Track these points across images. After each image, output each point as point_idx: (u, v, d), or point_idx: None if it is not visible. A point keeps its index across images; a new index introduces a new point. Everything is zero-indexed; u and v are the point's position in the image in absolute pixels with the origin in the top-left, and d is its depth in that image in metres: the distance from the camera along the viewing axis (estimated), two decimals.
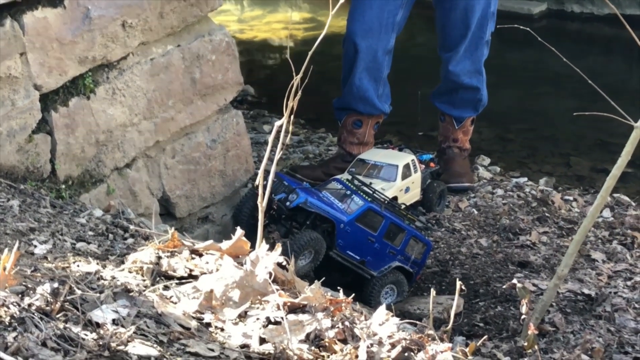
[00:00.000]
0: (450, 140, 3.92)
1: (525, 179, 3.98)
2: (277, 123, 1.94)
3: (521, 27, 2.56)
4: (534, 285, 2.99)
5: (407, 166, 3.42)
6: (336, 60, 6.15)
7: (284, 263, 1.85)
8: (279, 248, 1.84)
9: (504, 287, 2.64)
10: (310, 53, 1.91)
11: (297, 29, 6.64)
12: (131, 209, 2.42)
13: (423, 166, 3.57)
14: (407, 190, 3.42)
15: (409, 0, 3.63)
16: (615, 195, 3.86)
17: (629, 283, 3.06)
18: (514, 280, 2.03)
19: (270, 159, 1.96)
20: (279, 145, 1.91)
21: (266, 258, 1.81)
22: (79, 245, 1.89)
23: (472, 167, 4.02)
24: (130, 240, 2.00)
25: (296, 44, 6.38)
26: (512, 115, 4.97)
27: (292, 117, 1.94)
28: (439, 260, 3.21)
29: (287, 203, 2.59)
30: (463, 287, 1.97)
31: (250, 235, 1.94)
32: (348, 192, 2.75)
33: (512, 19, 6.36)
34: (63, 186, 2.25)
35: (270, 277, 1.79)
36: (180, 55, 2.55)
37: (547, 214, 3.60)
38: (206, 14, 2.63)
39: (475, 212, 3.62)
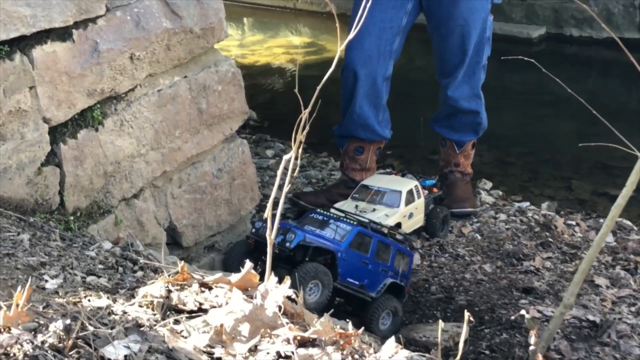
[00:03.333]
0: (452, 165, 3.94)
1: (528, 203, 4.00)
2: (286, 157, 1.96)
3: (520, 57, 2.57)
4: (538, 311, 3.00)
5: (410, 192, 3.44)
6: (337, 84, 6.19)
7: (293, 296, 1.86)
8: (287, 281, 1.85)
9: (512, 317, 2.65)
10: (318, 88, 1.92)
11: (298, 53, 6.68)
12: (139, 239, 2.44)
13: (426, 192, 3.59)
14: (410, 216, 3.44)
15: (405, 28, 3.67)
16: (618, 219, 3.87)
17: (633, 309, 3.07)
18: (522, 311, 2.04)
19: (280, 189, 1.97)
20: (287, 179, 1.92)
21: (275, 291, 1.82)
22: (90, 279, 1.90)
23: (474, 191, 4.04)
24: (139, 273, 2.01)
25: (298, 68, 6.42)
26: (512, 138, 5.00)
27: (300, 150, 1.95)
28: (444, 286, 3.22)
29: (287, 244, 2.60)
30: (471, 319, 1.98)
31: None
32: (331, 221, 2.78)
33: (512, 43, 6.43)
34: (72, 218, 2.26)
35: (279, 311, 1.80)
36: (187, 86, 2.58)
37: (550, 239, 3.61)
38: (212, 45, 2.66)
39: (479, 237, 3.64)
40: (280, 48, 6.77)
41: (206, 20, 2.58)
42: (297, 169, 1.94)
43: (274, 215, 1.91)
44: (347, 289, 2.73)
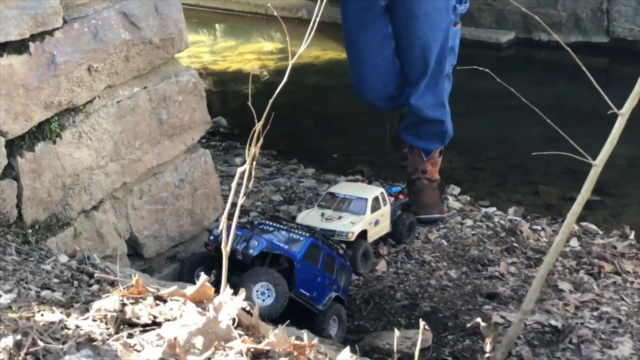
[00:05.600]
0: (420, 172, 3.97)
1: (494, 208, 4.02)
2: (240, 169, 1.96)
3: (481, 68, 2.60)
4: (502, 317, 3.02)
5: (376, 199, 3.46)
6: (308, 90, 6.23)
7: (248, 308, 1.87)
8: (242, 293, 1.86)
9: (468, 325, 2.67)
10: (270, 101, 1.93)
11: (269, 59, 6.69)
12: (98, 251, 2.44)
13: (392, 199, 3.61)
14: (376, 223, 3.46)
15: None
16: (583, 224, 3.91)
17: (595, 313, 3.10)
18: (478, 319, 2.05)
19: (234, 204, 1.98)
20: (242, 191, 1.93)
21: (230, 303, 1.83)
22: (44, 293, 1.90)
23: (441, 197, 4.06)
24: (95, 287, 2.01)
25: (270, 74, 6.43)
26: (482, 143, 5.02)
27: (254, 163, 1.96)
28: (409, 293, 3.24)
29: (250, 251, 2.61)
30: (426, 327, 1.99)
31: None
32: (282, 232, 2.79)
33: (482, 48, 6.47)
34: (30, 231, 2.25)
35: (234, 323, 1.80)
36: (147, 97, 2.58)
37: (515, 244, 3.64)
38: (172, 56, 2.66)
39: (445, 243, 3.66)
40: (252, 54, 6.77)
41: (165, 31, 2.58)
42: (252, 180, 1.95)
43: (229, 227, 1.92)
44: (300, 300, 2.74)
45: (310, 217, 3.35)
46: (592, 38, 6.18)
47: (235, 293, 1.89)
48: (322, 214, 3.37)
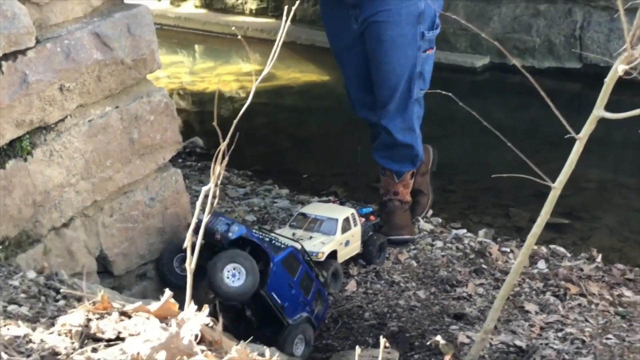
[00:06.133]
0: (391, 194, 4.02)
1: (465, 230, 4.08)
2: (205, 188, 2.01)
3: (443, 92, 2.66)
4: (467, 337, 3.07)
5: (347, 220, 3.51)
6: (285, 111, 6.30)
7: (211, 324, 1.90)
8: (206, 309, 1.89)
9: (428, 343, 2.72)
10: (235, 122, 1.98)
11: (248, 80, 6.74)
12: (68, 268, 2.47)
13: (363, 219, 3.66)
14: (347, 243, 3.50)
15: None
16: (552, 246, 3.98)
17: (559, 334, 3.16)
18: (437, 337, 2.10)
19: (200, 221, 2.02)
20: (206, 211, 1.97)
21: (193, 319, 1.87)
22: (11, 308, 1.93)
23: (413, 219, 4.11)
24: (62, 302, 2.04)
25: (248, 95, 6.48)
26: (455, 166, 5.08)
27: (219, 182, 2.00)
28: (377, 312, 3.28)
29: (230, 234, 2.67)
30: (387, 345, 2.03)
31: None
32: (266, 238, 2.84)
33: (457, 72, 6.56)
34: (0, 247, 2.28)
35: (197, 338, 1.84)
36: (118, 117, 2.62)
37: (484, 266, 3.69)
38: (144, 76, 2.70)
39: (415, 264, 3.71)
40: (231, 75, 6.83)
41: (138, 52, 2.63)
42: (217, 200, 1.99)
43: (193, 244, 1.96)
44: (269, 301, 2.77)
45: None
46: (565, 64, 6.28)
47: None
48: (293, 234, 3.41)
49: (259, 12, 7.72)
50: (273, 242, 2.87)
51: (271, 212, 4.23)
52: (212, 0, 8.02)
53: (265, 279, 2.72)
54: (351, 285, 3.48)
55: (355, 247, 3.57)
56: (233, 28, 2.71)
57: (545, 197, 4.88)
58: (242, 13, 7.84)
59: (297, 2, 2.01)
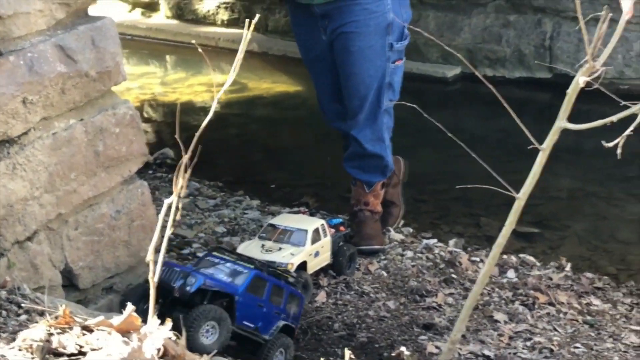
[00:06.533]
0: (362, 204, 4.02)
1: (435, 240, 4.09)
2: (167, 201, 2.00)
3: (409, 103, 2.67)
4: (436, 347, 3.07)
5: (316, 231, 3.50)
6: (257, 122, 6.29)
7: (174, 338, 1.89)
8: (169, 323, 1.88)
9: (392, 354, 2.72)
10: (197, 135, 1.97)
11: (219, 91, 6.72)
12: (32, 282, 2.44)
13: (333, 230, 3.65)
14: (316, 254, 3.50)
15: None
16: (521, 255, 4.00)
17: (528, 343, 3.17)
18: (402, 348, 2.10)
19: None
20: (169, 224, 1.96)
21: (155, 333, 1.85)
22: None
23: (384, 229, 4.11)
24: (23, 317, 2.02)
25: (220, 107, 6.47)
26: (427, 176, 5.09)
27: (181, 195, 1.99)
28: (347, 323, 3.28)
29: (188, 288, 2.63)
30: (352, 356, 2.03)
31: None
32: (227, 264, 2.81)
33: (428, 82, 6.58)
34: None
35: (159, 352, 1.83)
36: (83, 129, 2.61)
37: (454, 275, 3.70)
38: (109, 89, 2.69)
39: (385, 274, 3.71)
40: (202, 86, 6.82)
41: (102, 64, 2.62)
42: (179, 212, 1.98)
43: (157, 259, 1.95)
44: (243, 332, 2.76)
45: (250, 248, 3.38)
46: (536, 74, 6.32)
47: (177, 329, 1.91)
48: (263, 246, 3.40)
49: (230, 23, 7.71)
50: (235, 265, 2.84)
51: (241, 224, 4.22)
52: (183, 11, 8.00)
53: (232, 314, 2.70)
54: (321, 296, 3.47)
55: (325, 258, 3.57)
56: (193, 42, 2.69)
57: None
58: (214, 24, 7.83)
59: (257, 16, 2.01)
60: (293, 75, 6.73)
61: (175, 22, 8.03)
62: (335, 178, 4.72)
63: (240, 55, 1.93)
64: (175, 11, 8.05)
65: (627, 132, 2.12)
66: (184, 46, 7.57)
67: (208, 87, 6.75)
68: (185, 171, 1.99)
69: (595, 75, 2.15)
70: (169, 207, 1.98)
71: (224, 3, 7.79)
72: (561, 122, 2.31)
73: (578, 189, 4.97)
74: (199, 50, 2.31)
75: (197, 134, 2.01)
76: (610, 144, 2.16)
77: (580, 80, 2.16)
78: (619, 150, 2.14)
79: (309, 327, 3.24)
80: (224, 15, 7.78)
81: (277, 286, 2.90)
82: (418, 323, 3.28)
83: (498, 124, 5.93)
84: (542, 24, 6.28)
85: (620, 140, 2.14)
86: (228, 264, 2.83)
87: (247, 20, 1.87)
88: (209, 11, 7.86)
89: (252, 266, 2.84)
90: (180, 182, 1.98)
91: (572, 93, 2.26)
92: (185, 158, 1.98)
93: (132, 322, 1.93)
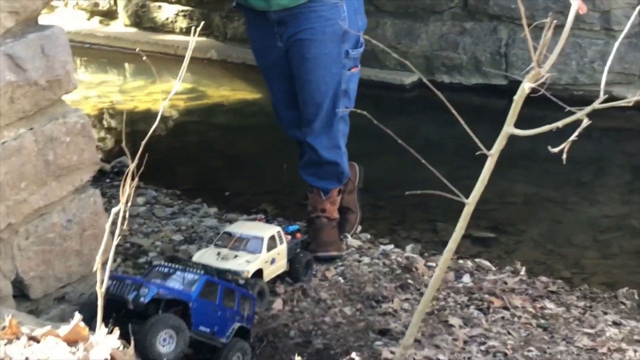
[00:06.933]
0: (319, 211, 4.03)
1: (392, 246, 4.11)
2: (114, 210, 1.99)
3: (359, 110, 2.69)
4: (391, 352, 3.09)
5: (272, 238, 3.50)
6: (216, 130, 6.28)
7: (121, 347, 1.89)
8: (117, 332, 1.88)
9: None
10: (143, 142, 1.97)
11: (179, 99, 6.71)
12: None
13: (289, 237, 3.66)
14: (273, 261, 3.50)
15: None
16: (477, 260, 4.03)
17: (482, 348, 3.20)
18: (353, 354, 2.11)
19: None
20: (117, 232, 1.96)
21: (103, 343, 1.85)
22: None
23: (341, 236, 4.13)
24: None
25: (179, 114, 6.46)
26: (385, 182, 5.11)
27: (129, 204, 1.99)
28: (303, 330, 3.29)
29: (141, 299, 2.62)
30: None
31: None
32: (177, 272, 2.82)
33: (386, 89, 6.62)
34: None
35: None
36: (32, 138, 2.59)
37: (410, 281, 3.72)
38: (60, 97, 2.67)
39: (342, 280, 3.72)
40: (161, 94, 6.79)
41: (52, 73, 2.60)
42: (127, 221, 1.98)
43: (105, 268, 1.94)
44: (200, 338, 2.76)
45: (206, 256, 3.38)
46: (492, 80, 6.38)
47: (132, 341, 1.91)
48: (218, 253, 3.40)
49: (189, 31, 7.68)
50: (185, 273, 2.84)
51: (199, 231, 4.21)
52: (141, 19, 7.97)
53: (188, 320, 2.70)
54: (277, 304, 3.47)
55: (281, 265, 3.57)
56: (137, 50, 2.68)
57: (473, 212, 4.95)
58: (172, 32, 7.81)
59: (202, 25, 2.01)
60: (252, 82, 6.73)
61: (133, 30, 7.99)
62: (293, 185, 4.72)
63: (185, 63, 1.95)
64: (134, 19, 8.02)
65: (572, 137, 2.16)
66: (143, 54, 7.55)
67: (167, 95, 6.72)
68: (133, 179, 1.98)
69: (541, 81, 2.18)
70: (117, 216, 1.97)
71: (182, 11, 7.77)
72: (508, 127, 2.35)
73: (533, 194, 5.03)
74: (144, 58, 2.31)
75: (143, 143, 2.01)
76: (556, 149, 2.20)
77: (525, 86, 2.19)
78: (564, 156, 2.18)
79: (264, 335, 3.24)
80: (182, 23, 7.77)
81: (229, 289, 2.92)
82: (374, 329, 3.30)
83: (455, 131, 5.94)
84: (497, 31, 6.34)
85: (565, 146, 2.17)
86: (178, 272, 2.83)
87: (192, 28, 1.87)
88: (167, 19, 7.84)
89: (202, 272, 2.85)
90: (127, 190, 1.97)
91: (518, 99, 2.29)
92: (132, 166, 1.98)
93: (79, 332, 1.93)
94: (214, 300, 2.82)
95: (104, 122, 6.42)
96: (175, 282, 2.78)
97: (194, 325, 2.74)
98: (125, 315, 2.64)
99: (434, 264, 3.92)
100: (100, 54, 7.79)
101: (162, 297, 2.69)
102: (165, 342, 2.61)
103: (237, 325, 2.90)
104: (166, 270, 2.85)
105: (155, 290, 2.66)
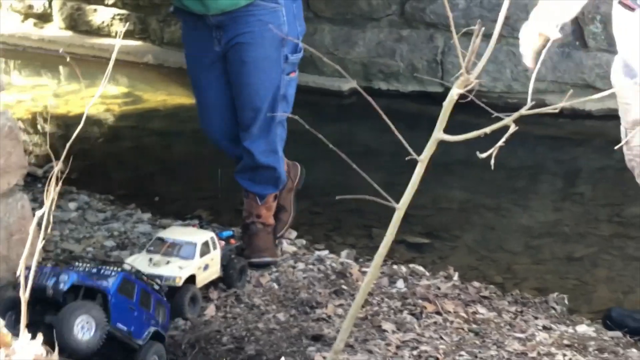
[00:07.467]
0: (254, 216, 4.02)
1: (327, 251, 4.12)
2: (38, 213, 1.96)
3: (291, 115, 2.69)
4: (323, 358, 3.08)
5: (205, 244, 3.48)
6: (153, 135, 6.22)
7: (44, 353, 1.85)
8: (40, 337, 1.84)
9: None
10: (68, 144, 1.94)
11: (114, 103, 6.64)
12: None
13: (223, 243, 3.64)
14: (206, 267, 3.47)
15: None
16: (411, 265, 4.05)
17: (414, 352, 3.21)
18: (282, 358, 2.10)
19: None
20: (40, 236, 1.92)
21: (26, 348, 1.81)
22: None
23: (276, 241, 4.11)
24: None
25: (115, 119, 6.38)
26: (322, 188, 5.12)
27: (52, 207, 1.96)
28: (235, 337, 3.26)
29: (61, 285, 2.60)
30: None
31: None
32: (93, 270, 2.80)
33: (324, 95, 6.64)
34: None
35: None
36: None
37: (344, 286, 3.73)
38: None
39: (276, 286, 3.71)
40: (97, 98, 6.71)
41: None
42: (51, 225, 1.94)
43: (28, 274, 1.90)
44: (118, 334, 2.73)
45: (137, 262, 3.33)
46: (428, 88, 6.45)
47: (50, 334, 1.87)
48: (150, 259, 3.36)
49: (125, 35, 7.62)
50: (102, 271, 2.81)
51: (131, 237, 4.16)
52: (77, 22, 7.87)
53: (107, 314, 2.67)
54: (210, 310, 3.44)
55: (214, 271, 3.54)
56: (61, 50, 2.64)
57: (407, 218, 4.99)
58: (108, 35, 7.72)
59: (127, 24, 1.99)
60: (189, 87, 6.65)
61: (69, 33, 7.89)
62: (230, 190, 4.70)
63: (110, 66, 1.91)
64: (69, 22, 7.91)
65: (500, 143, 2.19)
66: (78, 58, 7.44)
67: (102, 99, 6.65)
68: (57, 183, 1.94)
69: (470, 87, 2.20)
70: (40, 220, 1.93)
71: (118, 14, 7.68)
72: (438, 133, 2.37)
73: (468, 200, 5.09)
74: (68, 59, 2.27)
75: (68, 145, 1.98)
76: (484, 155, 2.22)
77: (454, 92, 2.21)
78: (492, 161, 2.20)
79: (197, 341, 3.20)
80: (118, 27, 7.69)
81: (145, 291, 2.91)
82: (307, 334, 3.29)
83: (392, 137, 5.96)
84: (434, 39, 6.42)
85: (493, 151, 2.20)
86: (94, 269, 2.81)
87: (117, 31, 1.85)
88: (103, 22, 7.74)
89: (119, 269, 2.83)
90: (52, 193, 1.93)
91: (447, 105, 2.31)
92: (57, 169, 1.94)
93: (2, 338, 1.88)
94: (131, 298, 2.80)
95: (38, 127, 6.31)
96: (94, 277, 2.76)
97: (112, 320, 2.72)
98: (42, 308, 2.61)
99: (368, 270, 3.93)
100: (35, 57, 7.67)
101: (81, 284, 2.66)
102: (84, 330, 2.58)
103: (153, 329, 2.88)
104: (83, 266, 2.83)
105: (75, 277, 2.65)
